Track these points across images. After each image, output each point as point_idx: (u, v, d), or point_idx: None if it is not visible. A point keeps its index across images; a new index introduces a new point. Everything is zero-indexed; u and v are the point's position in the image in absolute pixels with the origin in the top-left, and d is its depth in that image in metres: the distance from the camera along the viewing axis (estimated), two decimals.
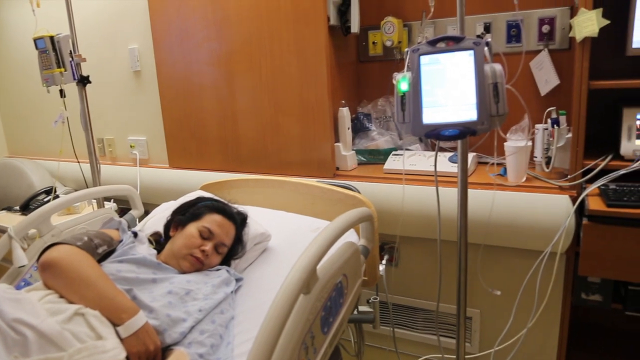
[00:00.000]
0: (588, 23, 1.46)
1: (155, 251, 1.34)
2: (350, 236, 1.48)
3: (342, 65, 2.09)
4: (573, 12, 1.82)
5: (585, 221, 1.44)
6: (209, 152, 2.29)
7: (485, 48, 1.16)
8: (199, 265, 1.30)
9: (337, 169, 2.03)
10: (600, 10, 1.45)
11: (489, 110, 1.15)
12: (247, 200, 1.88)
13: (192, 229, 1.33)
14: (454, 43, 1.18)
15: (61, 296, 1.09)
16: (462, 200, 1.42)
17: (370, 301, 1.73)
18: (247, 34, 2.03)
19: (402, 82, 1.20)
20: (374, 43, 2.18)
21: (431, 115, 1.19)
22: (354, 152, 2.06)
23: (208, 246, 1.31)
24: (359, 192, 1.74)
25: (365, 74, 2.25)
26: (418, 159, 1.91)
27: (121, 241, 1.31)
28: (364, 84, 2.25)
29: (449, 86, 1.19)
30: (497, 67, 1.15)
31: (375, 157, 2.08)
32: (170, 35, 2.25)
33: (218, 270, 1.33)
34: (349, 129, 2.01)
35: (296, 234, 1.55)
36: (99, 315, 1.04)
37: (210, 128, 2.25)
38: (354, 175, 1.98)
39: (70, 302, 1.07)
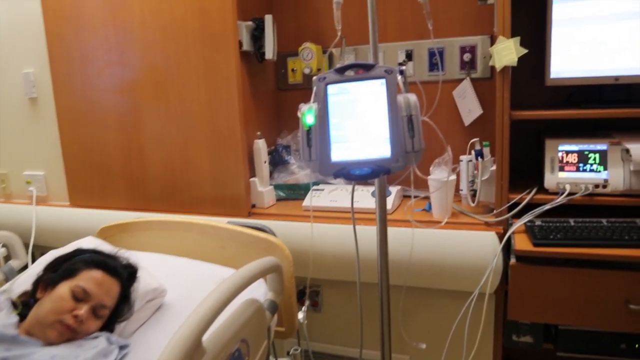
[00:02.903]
0: (507, 52, 1.39)
1: (16, 319, 1.10)
2: (258, 288, 1.30)
3: (259, 94, 1.94)
4: (493, 41, 1.77)
5: (512, 261, 1.34)
6: (113, 189, 2.05)
7: (399, 76, 1.04)
8: (69, 335, 1.07)
9: (254, 206, 1.86)
10: (517, 38, 1.39)
11: (403, 146, 1.02)
12: (151, 245, 1.68)
13: (64, 289, 1.11)
14: (364, 71, 1.05)
15: None
16: (381, 240, 1.29)
17: (290, 353, 1.56)
18: (153, 59, 1.85)
19: (307, 115, 1.05)
20: (293, 70, 2.05)
21: (340, 152, 1.05)
22: (272, 187, 1.90)
23: (82, 310, 1.09)
24: (273, 234, 1.58)
25: (285, 103, 2.11)
26: (339, 194, 1.78)
27: None
28: (283, 114, 2.11)
29: (359, 119, 1.06)
30: (412, 97, 1.03)
31: (295, 192, 1.92)
32: (69, 60, 2.02)
33: (95, 338, 1.10)
34: (265, 162, 1.85)
35: (198, 286, 1.35)
36: None
37: (114, 162, 2.02)
38: (271, 213, 1.81)
39: None
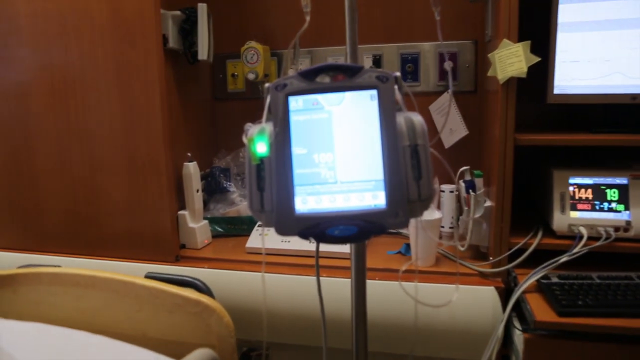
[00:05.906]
0: (514, 59, 1.09)
1: None
2: None
3: (189, 105, 1.55)
4: (478, 47, 1.48)
5: (526, 334, 1.02)
6: None
7: (395, 86, 0.70)
8: None
9: (183, 246, 1.46)
10: (528, 43, 1.09)
11: (405, 192, 0.68)
12: (40, 305, 1.26)
13: None
14: (345, 77, 0.69)
15: None
16: (358, 300, 0.93)
17: None
18: (47, 56, 1.41)
19: (258, 142, 0.68)
20: (233, 76, 1.67)
21: (308, 200, 0.69)
22: (206, 222, 1.50)
23: None
24: (209, 291, 1.20)
25: (223, 116, 1.73)
26: None
27: None
28: (221, 129, 1.73)
29: (338, 150, 0.70)
30: (417, 118, 0.69)
31: (236, 228, 1.54)
32: None
33: None
34: (198, 191, 1.45)
35: None
36: None
37: None
38: (205, 257, 1.41)
39: None
